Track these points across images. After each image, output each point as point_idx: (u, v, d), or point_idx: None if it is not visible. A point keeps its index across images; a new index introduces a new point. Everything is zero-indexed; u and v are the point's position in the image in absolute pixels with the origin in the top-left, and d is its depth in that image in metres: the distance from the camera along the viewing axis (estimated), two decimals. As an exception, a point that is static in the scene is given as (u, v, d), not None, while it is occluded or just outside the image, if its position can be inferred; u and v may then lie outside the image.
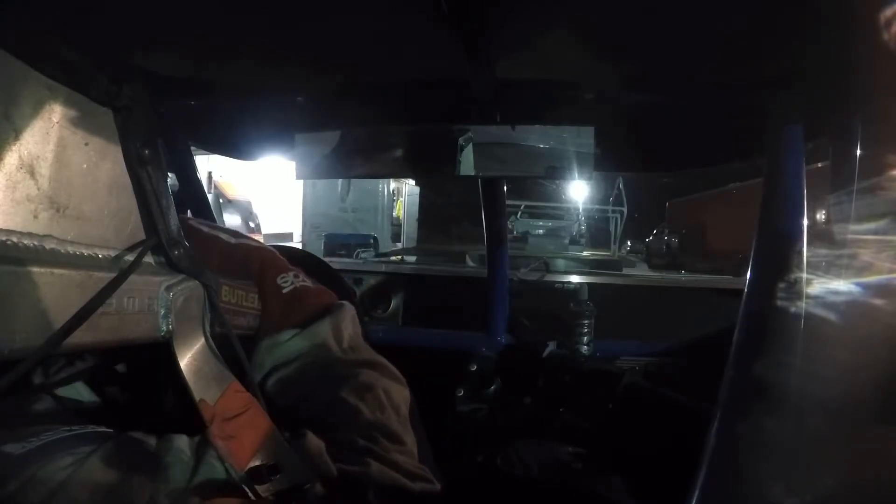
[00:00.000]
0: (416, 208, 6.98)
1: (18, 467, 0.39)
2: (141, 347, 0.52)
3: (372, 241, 2.71)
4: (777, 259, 0.57)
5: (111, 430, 0.46)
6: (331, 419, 0.56)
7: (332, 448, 0.51)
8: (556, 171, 0.77)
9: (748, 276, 0.60)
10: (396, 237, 6.69)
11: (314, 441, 0.53)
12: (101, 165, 0.49)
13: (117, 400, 0.59)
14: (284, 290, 0.63)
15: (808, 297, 0.52)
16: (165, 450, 0.46)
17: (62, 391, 0.55)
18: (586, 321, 1.32)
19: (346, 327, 0.62)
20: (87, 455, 0.41)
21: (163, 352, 0.52)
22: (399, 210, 6.95)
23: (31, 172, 0.42)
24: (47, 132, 0.44)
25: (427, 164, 0.83)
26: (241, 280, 0.61)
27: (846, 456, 0.49)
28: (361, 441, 0.54)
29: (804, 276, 0.53)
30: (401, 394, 0.61)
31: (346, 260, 2.12)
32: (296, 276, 0.64)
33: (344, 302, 0.65)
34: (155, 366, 0.55)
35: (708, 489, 0.48)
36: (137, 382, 0.57)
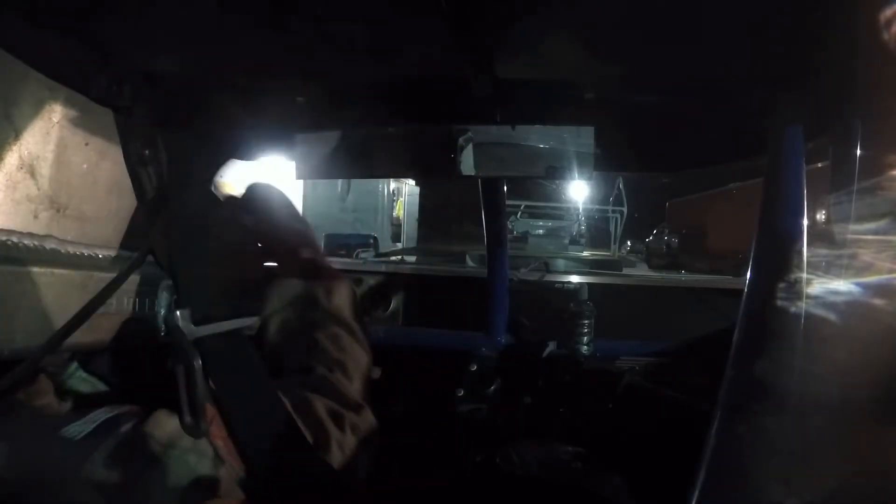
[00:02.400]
0: (416, 208, 6.98)
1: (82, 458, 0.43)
2: (143, 346, 0.52)
3: (372, 241, 2.71)
4: (777, 259, 0.57)
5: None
6: (306, 356, 0.70)
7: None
8: (556, 171, 0.77)
9: (748, 276, 0.60)
10: (396, 237, 6.69)
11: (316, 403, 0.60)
12: (101, 165, 0.50)
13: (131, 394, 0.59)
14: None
15: (808, 297, 0.52)
16: (166, 445, 0.47)
17: (78, 385, 0.56)
18: (586, 321, 1.32)
19: (340, 296, 0.77)
20: (125, 444, 0.45)
21: (164, 351, 0.52)
22: (399, 210, 6.95)
23: (32, 172, 0.42)
24: (47, 132, 0.44)
25: (427, 164, 0.83)
26: None
27: (846, 456, 0.49)
28: (323, 369, 0.68)
29: (804, 276, 0.53)
30: (362, 355, 0.76)
31: (346, 260, 2.11)
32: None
33: (347, 281, 0.81)
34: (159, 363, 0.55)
35: (708, 489, 0.48)
36: (145, 379, 0.58)
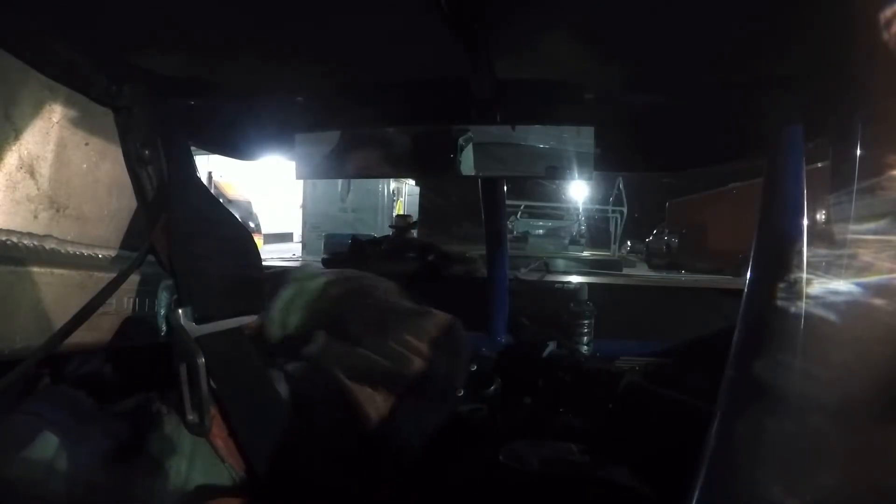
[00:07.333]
0: (416, 208, 6.98)
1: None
2: (143, 346, 0.52)
3: (371, 241, 2.70)
4: (777, 259, 0.57)
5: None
6: None
7: None
8: (556, 171, 0.77)
9: (748, 276, 0.60)
10: (396, 237, 6.68)
11: None
12: (101, 165, 0.49)
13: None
14: None
15: (808, 297, 0.52)
16: (166, 445, 0.47)
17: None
18: (586, 321, 1.32)
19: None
20: (125, 444, 0.46)
21: (164, 351, 0.52)
22: (399, 210, 6.96)
23: (31, 172, 0.42)
24: (47, 132, 0.44)
25: (427, 164, 0.83)
26: None
27: (846, 456, 0.49)
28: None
29: (804, 276, 0.53)
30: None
31: (346, 260, 2.11)
32: None
33: None
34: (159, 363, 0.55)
35: (708, 489, 0.48)
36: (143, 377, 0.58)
